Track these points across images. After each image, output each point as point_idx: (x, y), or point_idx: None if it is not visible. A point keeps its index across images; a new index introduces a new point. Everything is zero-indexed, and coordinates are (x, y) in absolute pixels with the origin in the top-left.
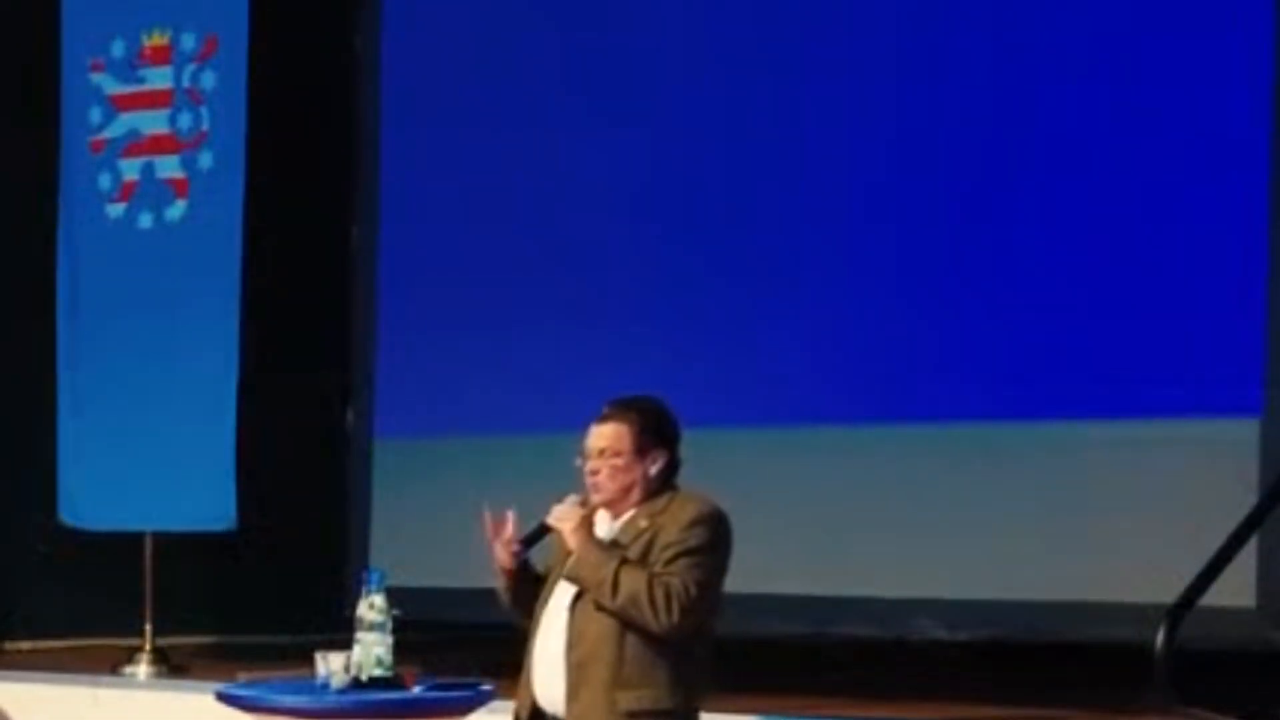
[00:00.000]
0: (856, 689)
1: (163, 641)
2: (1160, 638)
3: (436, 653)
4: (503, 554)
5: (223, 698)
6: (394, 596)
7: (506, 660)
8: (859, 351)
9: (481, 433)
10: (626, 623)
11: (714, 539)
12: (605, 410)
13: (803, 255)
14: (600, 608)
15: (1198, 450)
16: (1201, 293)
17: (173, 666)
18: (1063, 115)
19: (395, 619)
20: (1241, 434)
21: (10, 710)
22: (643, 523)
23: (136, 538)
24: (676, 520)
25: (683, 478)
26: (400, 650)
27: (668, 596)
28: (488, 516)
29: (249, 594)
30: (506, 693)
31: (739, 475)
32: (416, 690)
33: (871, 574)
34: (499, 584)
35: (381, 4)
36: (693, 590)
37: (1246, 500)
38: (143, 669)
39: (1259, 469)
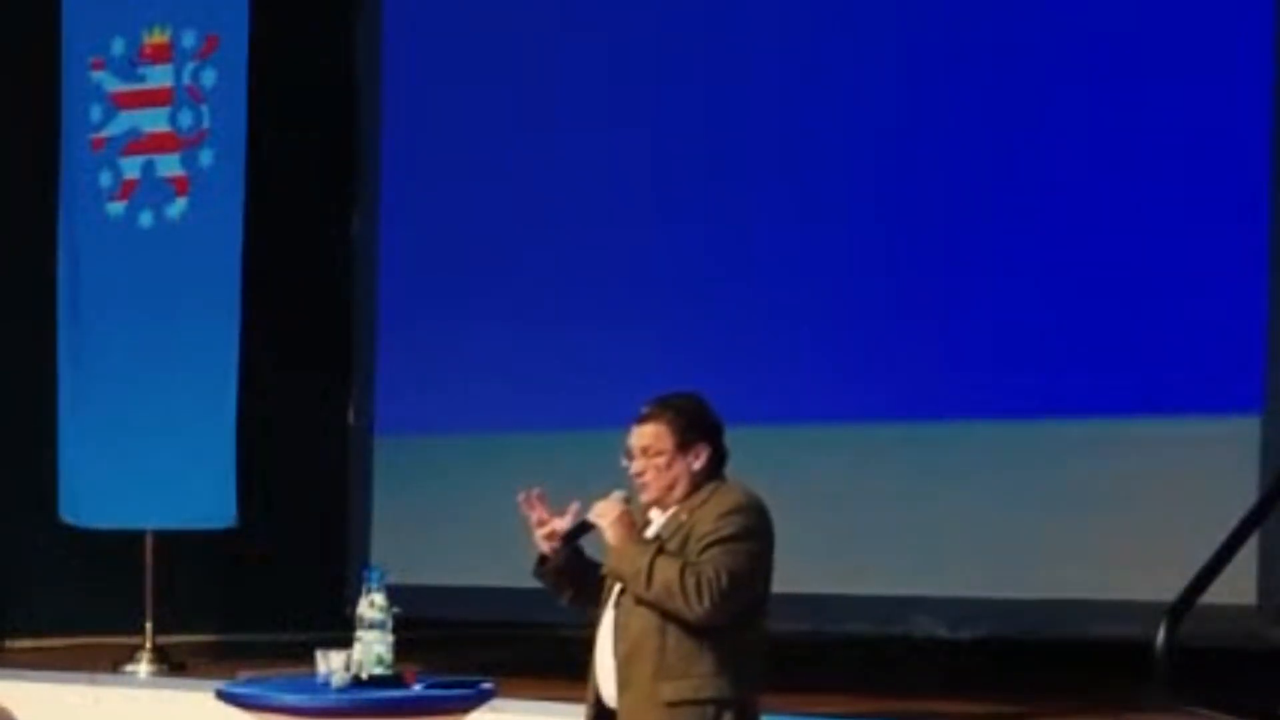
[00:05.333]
0: (857, 686)
1: (163, 640)
2: (1161, 636)
3: (437, 650)
4: (540, 540)
5: (223, 696)
6: (394, 594)
7: (507, 658)
8: (859, 351)
9: (482, 431)
10: (665, 614)
11: (748, 527)
12: (644, 410)
13: (802, 254)
14: (639, 600)
15: (1198, 448)
16: (1202, 291)
17: (173, 665)
18: (1065, 115)
19: (396, 617)
20: (1242, 432)
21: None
22: (683, 516)
23: (137, 536)
24: (713, 511)
25: None
26: (401, 648)
27: (698, 584)
28: (523, 497)
29: (249, 592)
30: (507, 691)
31: (738, 473)
32: (417, 688)
33: (872, 572)
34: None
35: (382, 2)
36: (724, 578)
37: (1247, 498)
38: (144, 667)
39: (1259, 467)
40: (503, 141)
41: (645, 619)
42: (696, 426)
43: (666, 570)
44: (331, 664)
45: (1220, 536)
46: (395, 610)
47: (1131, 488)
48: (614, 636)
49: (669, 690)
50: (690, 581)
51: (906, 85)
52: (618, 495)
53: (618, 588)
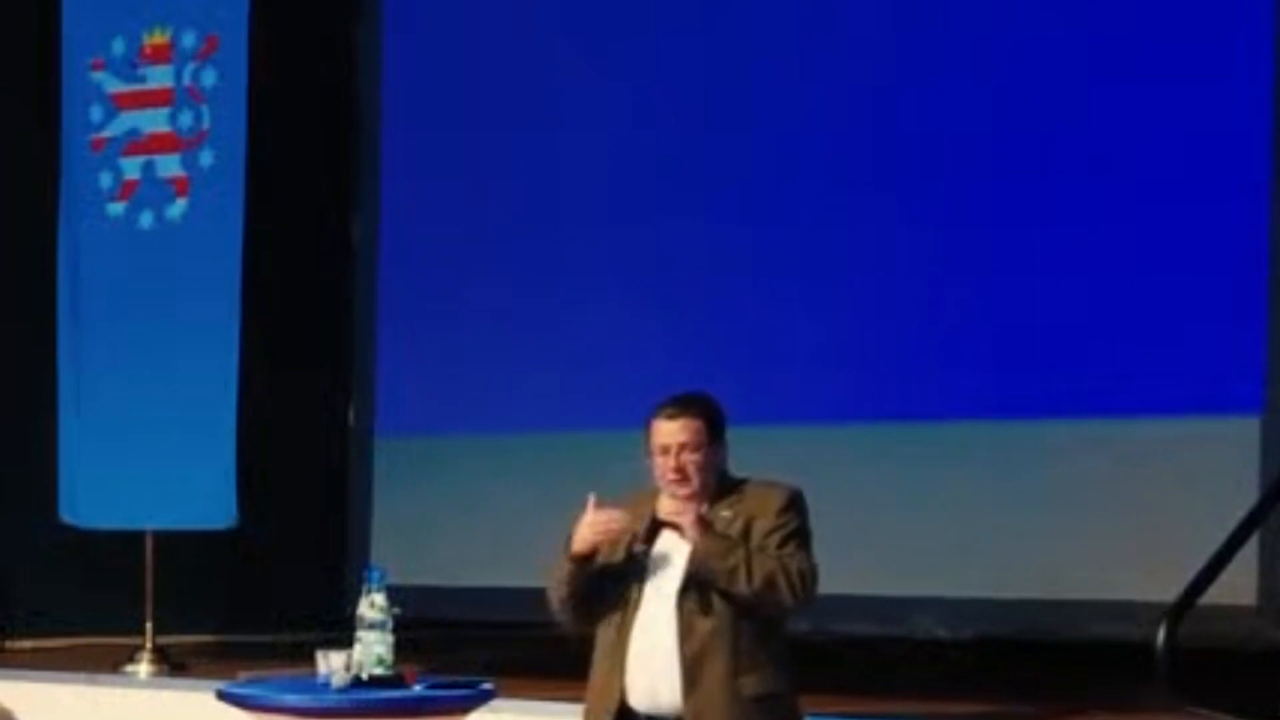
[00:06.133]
0: (857, 686)
1: (164, 640)
2: (1161, 636)
3: (437, 651)
4: (594, 534)
5: (224, 696)
6: (395, 595)
7: (507, 658)
8: (858, 350)
9: (482, 431)
10: (751, 607)
11: (806, 520)
12: (672, 409)
13: (802, 253)
14: (727, 595)
15: (1198, 449)
16: (1202, 291)
17: (174, 665)
18: (1064, 115)
19: (396, 617)
20: (1242, 432)
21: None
22: (725, 512)
23: (137, 536)
24: (766, 506)
25: None
26: (401, 648)
27: (802, 575)
28: (593, 500)
29: (250, 592)
30: (507, 691)
31: (738, 473)
32: (417, 688)
33: (872, 572)
34: (559, 577)
35: (382, 2)
36: (815, 567)
37: (1247, 499)
38: (144, 667)
39: (1259, 467)
40: (503, 141)
41: (718, 616)
42: (720, 423)
43: (766, 564)
44: (332, 664)
45: (1220, 536)
46: (395, 610)
47: (1131, 488)
48: (678, 635)
49: (749, 685)
50: (794, 572)
51: (907, 85)
52: (667, 496)
53: (664, 587)
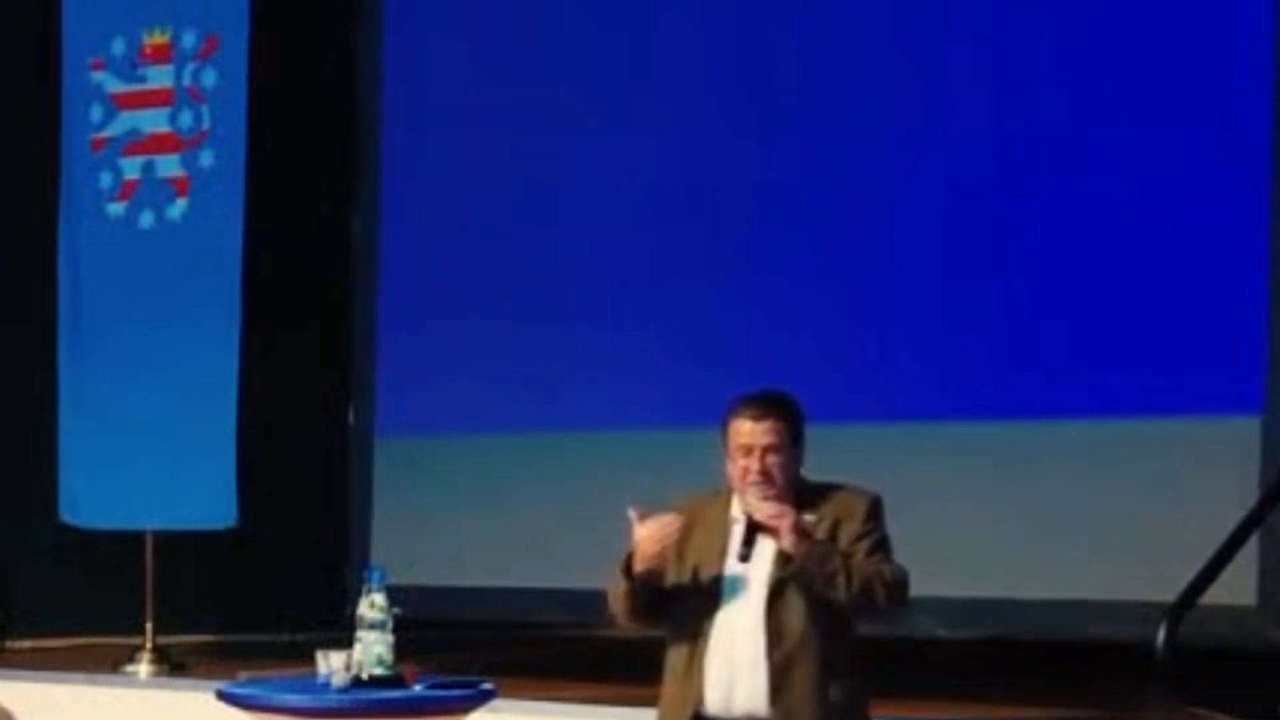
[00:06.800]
0: None
1: (164, 640)
2: (1161, 636)
3: (437, 651)
4: (658, 546)
5: (224, 696)
6: (395, 595)
7: (507, 658)
8: (858, 349)
9: (482, 431)
10: (843, 612)
11: (885, 524)
12: (756, 409)
13: (800, 253)
14: (823, 600)
15: (1198, 449)
16: (1202, 291)
17: (174, 665)
18: (1064, 115)
19: (396, 617)
20: (1242, 432)
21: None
22: (809, 516)
23: (137, 536)
24: (851, 512)
25: (680, 477)
26: (401, 648)
27: (897, 582)
28: (635, 513)
29: (250, 592)
30: (507, 691)
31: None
32: (417, 688)
33: None
34: (618, 594)
35: (382, 2)
36: (907, 573)
37: (1247, 498)
38: (144, 667)
39: (1259, 467)
40: (503, 141)
41: (807, 621)
42: (800, 424)
43: (864, 570)
44: (332, 664)
45: (1220, 536)
46: (396, 610)
47: (1132, 488)
48: (767, 640)
49: (836, 692)
50: (890, 578)
51: (907, 86)
52: (756, 495)
53: (749, 591)
